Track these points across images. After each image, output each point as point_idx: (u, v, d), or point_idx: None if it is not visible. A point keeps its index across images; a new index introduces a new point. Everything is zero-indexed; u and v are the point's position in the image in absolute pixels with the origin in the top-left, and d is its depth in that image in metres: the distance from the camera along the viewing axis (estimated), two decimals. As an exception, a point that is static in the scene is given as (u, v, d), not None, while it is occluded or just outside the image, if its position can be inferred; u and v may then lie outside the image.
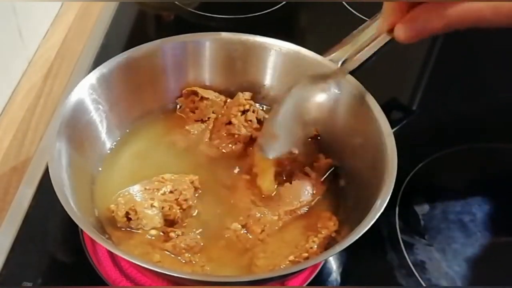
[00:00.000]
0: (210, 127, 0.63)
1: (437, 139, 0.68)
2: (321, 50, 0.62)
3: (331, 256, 0.51)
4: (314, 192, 0.57)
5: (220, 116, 0.63)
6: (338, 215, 0.55)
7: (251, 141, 0.61)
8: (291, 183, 0.57)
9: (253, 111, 0.62)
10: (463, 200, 0.62)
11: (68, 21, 0.83)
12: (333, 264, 0.56)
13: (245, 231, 0.53)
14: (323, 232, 0.53)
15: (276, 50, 0.63)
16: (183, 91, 0.64)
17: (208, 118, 0.63)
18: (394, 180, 0.50)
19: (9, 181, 0.63)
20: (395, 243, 0.58)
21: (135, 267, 0.53)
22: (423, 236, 0.59)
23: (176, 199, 0.53)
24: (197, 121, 0.63)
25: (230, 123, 0.61)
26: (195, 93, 0.63)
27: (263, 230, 0.53)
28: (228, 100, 0.64)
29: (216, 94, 0.64)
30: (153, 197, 0.53)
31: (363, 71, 0.58)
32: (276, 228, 0.54)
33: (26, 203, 0.59)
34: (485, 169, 0.66)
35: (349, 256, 0.54)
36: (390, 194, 0.49)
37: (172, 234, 0.52)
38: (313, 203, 0.56)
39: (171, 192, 0.53)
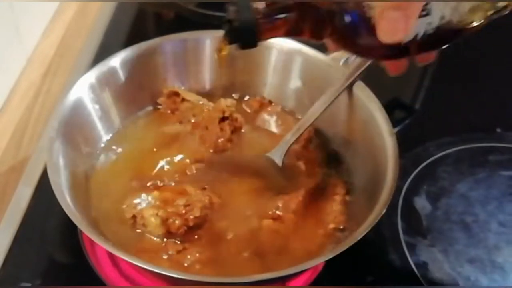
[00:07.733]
0: (187, 129, 0.61)
1: (439, 138, 0.68)
2: (323, 48, 0.62)
3: (332, 256, 0.51)
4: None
5: (200, 119, 0.61)
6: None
7: (221, 151, 0.59)
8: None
9: (232, 119, 0.60)
10: (465, 201, 0.62)
11: (67, 18, 0.83)
12: (335, 264, 0.55)
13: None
14: (336, 198, 0.55)
15: (278, 48, 0.63)
16: (164, 91, 0.63)
17: (188, 120, 0.62)
18: (396, 180, 0.50)
19: (7, 180, 0.62)
20: (397, 244, 0.57)
21: (134, 267, 0.53)
22: (425, 237, 0.58)
23: (185, 213, 0.52)
24: (178, 122, 0.62)
25: (207, 128, 0.59)
26: (177, 94, 0.62)
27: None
28: (210, 104, 0.62)
29: (198, 97, 0.63)
30: (163, 206, 0.52)
31: (364, 70, 0.58)
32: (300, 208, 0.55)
33: (24, 203, 0.59)
34: (488, 169, 0.66)
35: (351, 257, 0.54)
36: (392, 195, 0.49)
37: (170, 252, 0.51)
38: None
39: (184, 206, 0.52)
